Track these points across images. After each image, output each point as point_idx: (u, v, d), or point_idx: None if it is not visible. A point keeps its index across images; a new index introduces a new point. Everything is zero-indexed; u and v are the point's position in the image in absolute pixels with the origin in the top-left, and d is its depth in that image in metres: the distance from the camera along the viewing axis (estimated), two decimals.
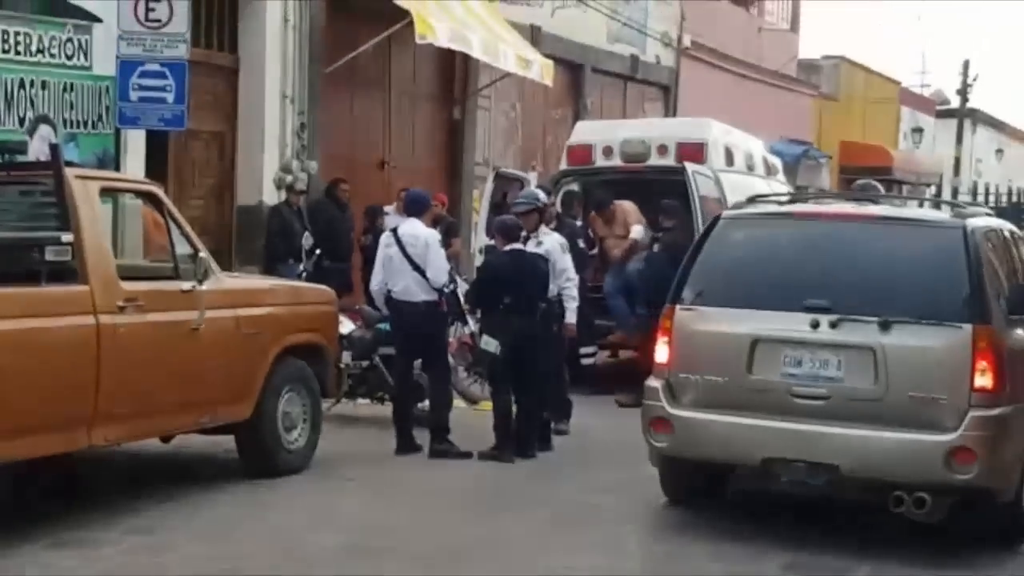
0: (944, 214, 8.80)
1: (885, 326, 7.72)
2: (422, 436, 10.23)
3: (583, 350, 13.08)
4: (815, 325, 7.83)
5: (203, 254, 8.49)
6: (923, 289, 7.86)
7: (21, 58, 12.04)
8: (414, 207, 10.61)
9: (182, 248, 8.56)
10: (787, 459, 7.83)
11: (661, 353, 8.30)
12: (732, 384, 7.99)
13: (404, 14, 15.77)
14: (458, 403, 11.16)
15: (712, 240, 8.51)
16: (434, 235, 10.48)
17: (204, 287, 8.41)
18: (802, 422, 7.80)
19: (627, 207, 14.39)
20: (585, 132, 15.86)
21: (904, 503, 7.64)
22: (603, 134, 15.46)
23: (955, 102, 47.63)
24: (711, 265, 8.41)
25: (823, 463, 7.73)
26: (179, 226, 8.61)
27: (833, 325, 7.81)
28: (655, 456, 8.53)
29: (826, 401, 7.78)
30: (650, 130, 15.88)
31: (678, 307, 8.30)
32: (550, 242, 10.70)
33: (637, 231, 14.18)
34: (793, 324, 7.89)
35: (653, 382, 8.30)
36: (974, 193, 47.72)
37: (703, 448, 8.11)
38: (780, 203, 9.19)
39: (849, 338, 7.78)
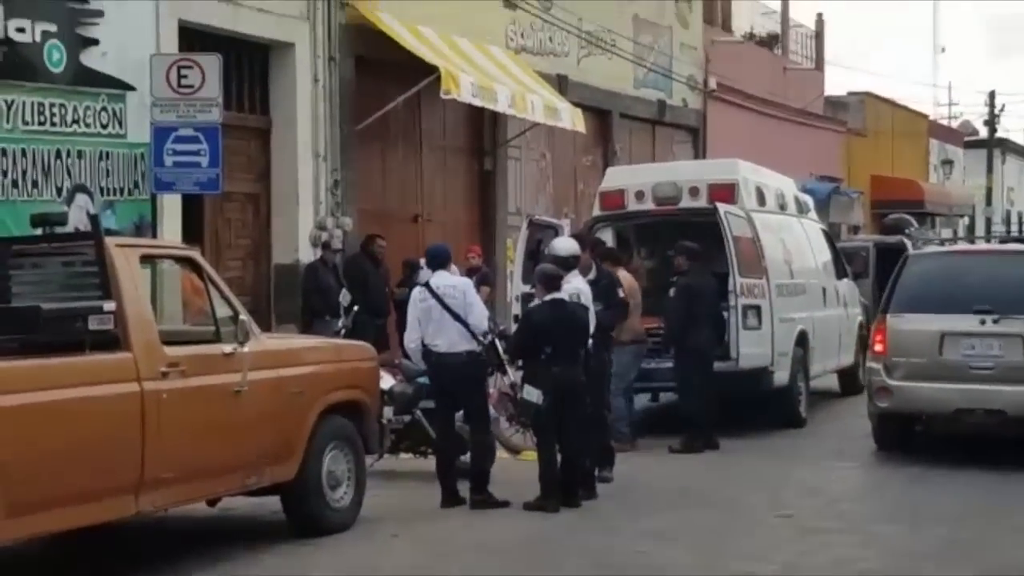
0: None
1: None
2: (466, 488, 10.22)
3: None
4: (982, 322, 11.89)
5: (244, 317, 8.53)
6: None
7: (56, 129, 12.23)
8: (440, 260, 10.61)
9: (222, 311, 8.62)
10: (971, 408, 12.01)
11: (878, 345, 12.38)
12: (929, 362, 12.06)
13: (432, 69, 15.93)
14: (501, 453, 11.16)
15: (905, 270, 12.63)
16: (470, 283, 10.57)
17: (246, 349, 8.45)
18: (979, 384, 11.87)
19: (624, 275, 12.58)
20: (617, 177, 15.91)
21: None
22: (634, 178, 15.51)
23: (983, 132, 47.48)
24: (906, 286, 12.46)
25: (995, 409, 11.91)
26: (219, 289, 8.68)
27: (995, 321, 11.86)
28: (874, 415, 12.63)
29: (992, 370, 11.88)
30: (681, 173, 15.92)
31: (888, 315, 12.35)
32: (567, 290, 10.39)
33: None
34: (967, 322, 11.95)
35: (874, 364, 12.42)
36: (1008, 222, 47.49)
37: (913, 404, 12.29)
38: (943, 244, 14.56)
39: (1006, 329, 11.88)
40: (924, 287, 12.44)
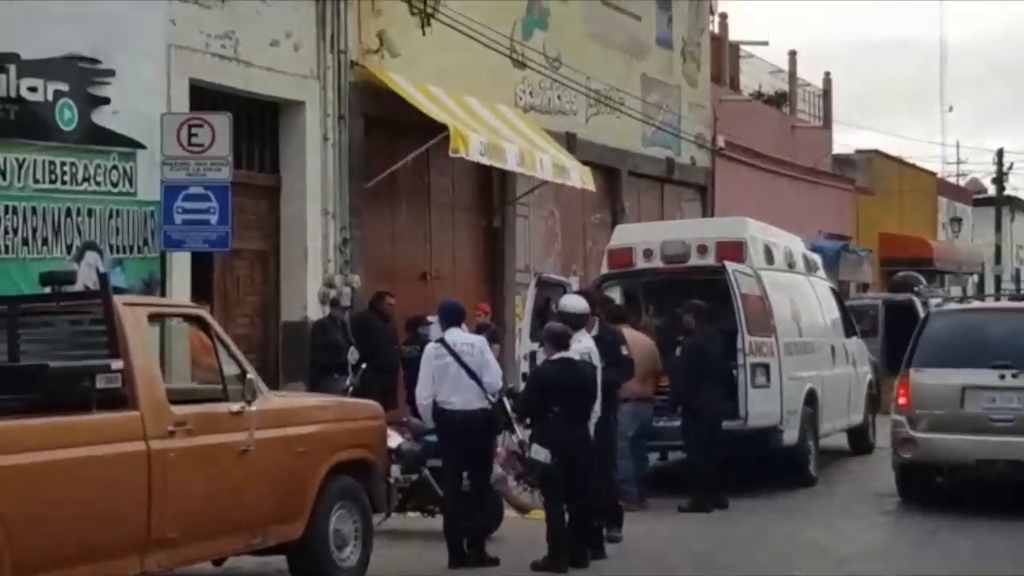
0: None
1: None
2: None
3: None
4: (1002, 376, 12.39)
5: (251, 375, 8.53)
6: None
7: (68, 187, 12.29)
8: (454, 316, 10.56)
9: (230, 369, 8.61)
10: (992, 459, 12.53)
11: (902, 399, 12.86)
12: (951, 415, 12.55)
13: (441, 128, 16.01)
14: (509, 512, 11.10)
15: (927, 327, 13.20)
16: (485, 340, 10.58)
17: (253, 408, 8.43)
18: (999, 436, 12.36)
19: (634, 334, 12.68)
20: (625, 235, 15.92)
21: None
22: (642, 236, 15.52)
23: (992, 190, 47.56)
24: (928, 342, 12.98)
25: (1014, 460, 12.38)
26: (226, 348, 8.67)
27: (1014, 376, 12.36)
28: (897, 466, 13.08)
29: (1012, 423, 12.33)
30: (689, 231, 15.94)
31: (912, 370, 12.83)
32: (576, 349, 10.32)
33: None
34: (987, 377, 12.45)
35: (898, 416, 12.87)
36: (1018, 280, 47.46)
37: (936, 456, 12.75)
38: (961, 302, 15.02)
39: None
40: (945, 343, 12.98)
